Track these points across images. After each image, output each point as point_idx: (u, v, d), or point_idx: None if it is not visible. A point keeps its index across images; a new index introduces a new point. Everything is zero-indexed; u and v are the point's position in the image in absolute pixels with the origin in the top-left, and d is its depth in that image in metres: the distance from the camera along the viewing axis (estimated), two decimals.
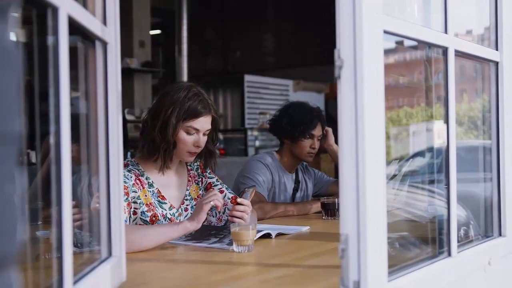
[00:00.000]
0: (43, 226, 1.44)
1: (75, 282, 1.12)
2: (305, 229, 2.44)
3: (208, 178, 2.50)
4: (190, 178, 2.45)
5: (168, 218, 2.30)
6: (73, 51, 1.11)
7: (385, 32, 1.29)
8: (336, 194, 3.01)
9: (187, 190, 2.42)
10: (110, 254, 1.42)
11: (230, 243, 1.98)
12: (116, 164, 1.43)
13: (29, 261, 1.19)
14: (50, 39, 1.05)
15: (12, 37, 0.63)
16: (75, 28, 1.14)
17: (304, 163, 3.29)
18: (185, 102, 2.23)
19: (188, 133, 2.26)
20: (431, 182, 1.98)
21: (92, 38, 1.34)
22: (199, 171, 2.50)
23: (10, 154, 0.61)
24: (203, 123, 2.28)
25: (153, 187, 2.30)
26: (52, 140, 1.05)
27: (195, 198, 2.43)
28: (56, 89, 1.04)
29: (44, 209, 1.37)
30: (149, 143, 2.27)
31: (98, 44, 1.38)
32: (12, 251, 0.62)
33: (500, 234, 1.88)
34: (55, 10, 1.03)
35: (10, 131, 0.61)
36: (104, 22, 1.40)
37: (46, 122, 1.06)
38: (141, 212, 2.23)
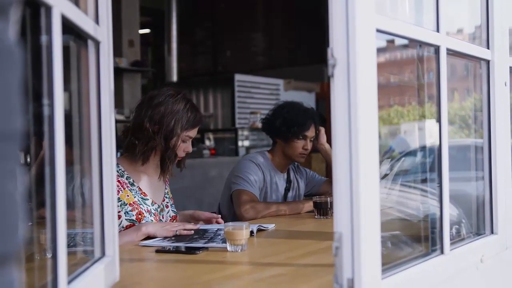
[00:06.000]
0: (35, 227, 1.44)
1: (69, 282, 1.11)
2: (271, 227, 2.46)
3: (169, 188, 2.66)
4: (166, 179, 2.59)
5: (153, 213, 2.39)
6: (65, 50, 1.11)
7: (378, 30, 1.29)
8: (328, 193, 3.02)
9: (166, 189, 2.56)
10: (103, 254, 1.41)
11: (224, 241, 1.97)
12: (109, 164, 1.43)
13: (22, 261, 1.18)
14: (43, 38, 1.04)
15: (13, 36, 0.63)
16: (67, 27, 1.14)
17: (296, 162, 3.29)
18: (186, 113, 2.38)
19: (183, 141, 2.41)
20: (423, 181, 1.99)
21: (84, 37, 1.34)
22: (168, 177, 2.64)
23: (12, 152, 0.61)
24: (196, 131, 2.46)
25: (135, 185, 2.39)
26: (45, 140, 1.04)
27: (171, 198, 2.59)
28: (50, 88, 1.04)
29: (35, 209, 1.36)
30: (150, 150, 2.36)
31: (90, 43, 1.37)
32: (14, 249, 0.62)
33: (492, 232, 1.89)
34: (48, 9, 1.02)
35: (12, 129, 0.61)
36: (97, 21, 1.39)
37: (37, 122, 1.06)
38: (125, 212, 2.30)
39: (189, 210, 2.64)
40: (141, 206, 2.35)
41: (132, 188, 2.37)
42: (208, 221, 2.52)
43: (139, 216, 2.32)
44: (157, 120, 2.34)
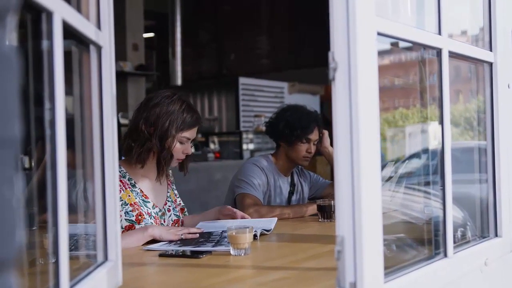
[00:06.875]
0: (38, 232, 1.44)
1: (71, 287, 1.11)
2: (274, 222, 2.50)
3: (175, 189, 2.65)
4: (169, 182, 2.59)
5: (153, 216, 2.40)
6: (67, 55, 1.11)
7: (379, 34, 1.29)
8: (331, 196, 3.01)
9: (168, 192, 2.56)
10: (106, 258, 1.41)
11: (229, 245, 1.97)
12: (112, 168, 1.43)
13: (25, 266, 1.18)
14: (44, 43, 1.05)
15: (11, 42, 0.63)
16: (69, 32, 1.14)
17: (300, 165, 3.29)
18: (182, 114, 2.37)
19: (181, 142, 2.40)
20: (427, 183, 1.99)
21: (86, 42, 1.34)
22: (172, 178, 2.65)
23: (9, 159, 0.61)
24: (195, 132, 2.45)
25: (136, 187, 2.40)
26: (47, 144, 1.04)
27: (174, 201, 2.58)
28: (51, 93, 1.04)
29: (39, 214, 1.37)
30: (146, 152, 2.36)
31: (92, 48, 1.38)
32: (12, 255, 0.62)
33: (496, 235, 1.88)
34: (49, 14, 1.02)
35: (10, 136, 0.61)
36: (98, 26, 1.39)
37: (40, 126, 1.06)
38: (125, 212, 2.31)
39: (215, 207, 2.66)
40: (141, 207, 2.36)
41: (133, 189, 2.37)
42: (232, 217, 2.55)
43: (139, 218, 2.33)
44: (152, 121, 2.35)
